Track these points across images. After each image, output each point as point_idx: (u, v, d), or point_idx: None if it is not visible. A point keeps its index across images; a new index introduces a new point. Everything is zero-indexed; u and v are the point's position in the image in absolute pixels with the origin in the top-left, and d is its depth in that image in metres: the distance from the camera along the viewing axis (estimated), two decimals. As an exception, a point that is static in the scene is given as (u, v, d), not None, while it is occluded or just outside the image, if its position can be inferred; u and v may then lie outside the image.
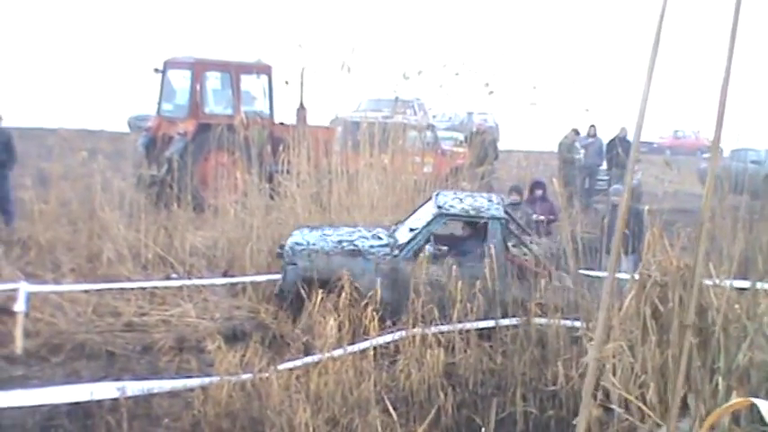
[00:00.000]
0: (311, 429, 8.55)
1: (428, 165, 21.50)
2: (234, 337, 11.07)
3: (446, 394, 9.55)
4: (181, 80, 21.87)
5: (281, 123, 21.30)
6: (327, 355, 9.53)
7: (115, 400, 9.12)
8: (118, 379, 10.16)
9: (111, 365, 11.57)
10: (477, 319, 10.92)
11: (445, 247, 12.55)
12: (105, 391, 9.23)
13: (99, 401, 9.11)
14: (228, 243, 15.87)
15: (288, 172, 17.82)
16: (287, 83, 20.61)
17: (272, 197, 17.55)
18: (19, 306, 11.77)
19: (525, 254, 12.71)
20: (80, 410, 9.20)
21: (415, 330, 10.37)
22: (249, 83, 21.89)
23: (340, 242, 12.74)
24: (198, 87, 20.98)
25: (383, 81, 23.00)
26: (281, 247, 13.12)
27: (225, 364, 9.43)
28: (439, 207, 12.75)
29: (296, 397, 8.95)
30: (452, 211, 12.74)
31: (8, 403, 9.24)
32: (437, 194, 13.74)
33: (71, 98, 27.60)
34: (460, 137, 27.28)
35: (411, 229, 12.82)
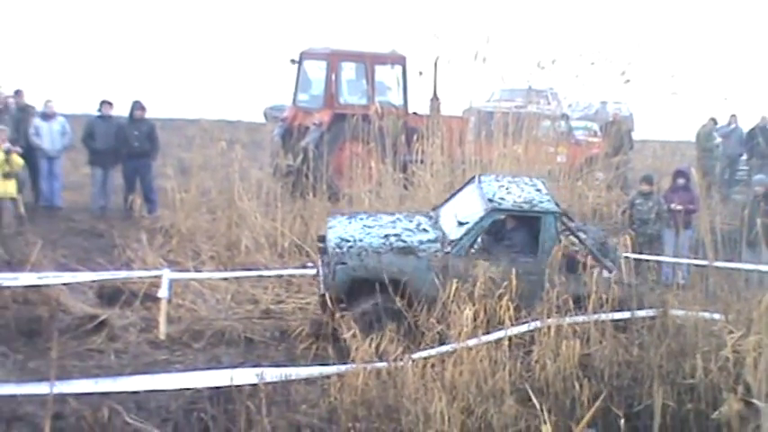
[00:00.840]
0: (446, 418, 8.58)
1: (562, 155, 21.32)
2: (369, 326, 11.16)
3: (581, 386, 9.46)
4: (316, 71, 22.10)
5: (415, 113, 21.34)
6: (462, 344, 9.54)
7: (254, 385, 9.32)
8: (257, 365, 10.36)
9: (249, 352, 11.85)
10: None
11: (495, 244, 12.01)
12: (245, 376, 9.44)
13: (239, 387, 9.32)
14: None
15: (421, 162, 17.90)
16: (421, 73, 20.69)
17: (405, 187, 17.65)
18: (162, 293, 12.13)
19: (574, 244, 12.32)
20: (221, 395, 9.42)
21: (551, 321, 10.27)
22: (383, 73, 21.96)
23: (386, 236, 11.97)
24: (333, 78, 21.17)
25: (517, 71, 22.82)
26: (322, 239, 12.59)
27: (361, 352, 9.53)
28: (491, 201, 11.98)
29: (431, 386, 8.99)
30: (505, 205, 11.96)
31: (153, 386, 9.55)
32: (479, 178, 13.06)
33: (211, 89, 28.17)
34: (595, 126, 26.91)
35: (460, 223, 11.98)
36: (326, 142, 19.54)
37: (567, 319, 10.30)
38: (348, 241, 11.80)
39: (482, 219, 11.77)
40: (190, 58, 38.37)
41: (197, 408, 9.55)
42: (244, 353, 11.83)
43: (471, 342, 9.61)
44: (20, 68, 30.52)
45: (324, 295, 11.30)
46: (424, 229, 12.32)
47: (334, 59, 21.34)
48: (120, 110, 18.90)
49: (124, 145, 18.41)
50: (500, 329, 10.06)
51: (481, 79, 19.05)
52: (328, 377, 9.69)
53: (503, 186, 12.54)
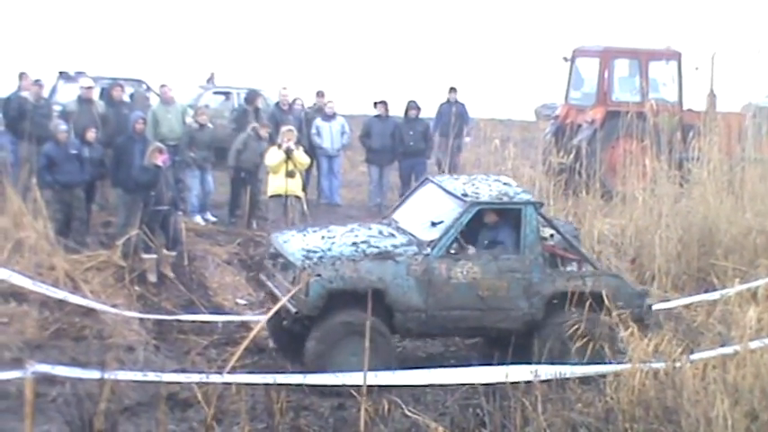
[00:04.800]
0: (729, 423, 8.31)
1: None
2: (645, 326, 10.96)
3: None
4: (589, 68, 21.96)
5: (690, 110, 20.81)
6: (745, 346, 9.22)
7: (529, 382, 9.37)
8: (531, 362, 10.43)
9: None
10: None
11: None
12: (520, 373, 9.52)
13: (514, 383, 9.40)
14: (636, 231, 15.72)
15: (698, 159, 17.40)
16: (697, 69, 20.16)
17: (681, 185, 17.21)
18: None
19: (547, 238, 11.55)
20: (496, 391, 9.52)
21: None
22: (658, 69, 21.56)
23: (354, 244, 10.83)
24: (606, 75, 21.00)
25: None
26: (276, 255, 11.45)
27: (638, 351, 9.39)
28: (466, 196, 11.03)
29: (712, 388, 8.74)
30: (483, 198, 11.02)
31: (430, 381, 9.80)
32: (430, 179, 12.14)
33: (481, 89, 28.40)
34: None
35: (434, 223, 10.98)
36: (599, 140, 19.39)
37: None
38: (316, 252, 10.67)
39: (461, 215, 10.81)
40: (459, 57, 38.81)
41: (472, 403, 9.72)
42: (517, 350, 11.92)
43: (755, 344, 9.27)
44: (307, 70, 31.89)
45: (296, 315, 10.35)
46: (391, 234, 11.24)
47: (606, 56, 21.16)
48: (396, 110, 19.40)
49: (399, 144, 18.90)
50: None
51: (760, 74, 18.34)
52: (604, 376, 9.62)
53: (466, 183, 11.58)
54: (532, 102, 33.52)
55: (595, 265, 11.44)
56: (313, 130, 19.00)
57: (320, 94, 19.96)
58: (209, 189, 17.72)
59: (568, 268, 11.40)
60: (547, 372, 9.61)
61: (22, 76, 17.60)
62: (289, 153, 15.29)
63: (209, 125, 17.81)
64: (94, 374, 8.93)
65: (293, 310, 10.35)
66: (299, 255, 10.64)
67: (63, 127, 15.02)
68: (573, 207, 17.22)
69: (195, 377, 9.32)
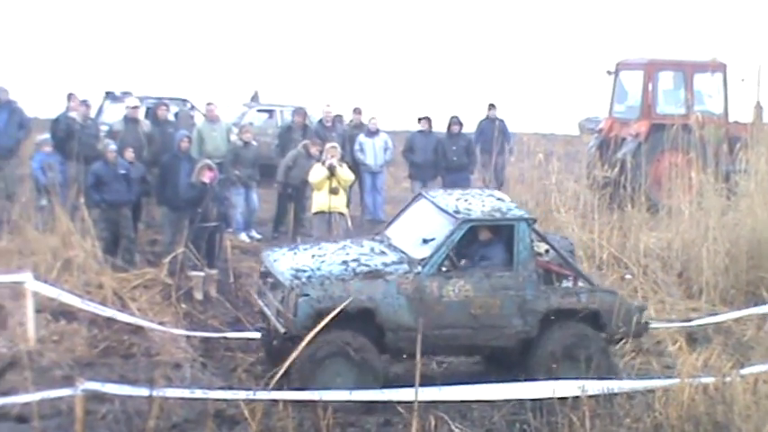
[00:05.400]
0: (781, 438, 8.25)
1: None
2: (693, 340, 10.90)
3: None
4: (633, 81, 21.86)
5: (736, 122, 20.65)
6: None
7: (576, 398, 9.33)
8: (578, 378, 10.38)
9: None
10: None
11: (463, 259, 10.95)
12: (567, 389, 9.47)
13: (561, 399, 9.35)
14: (683, 244, 15.64)
15: (745, 171, 17.26)
16: (743, 80, 19.98)
17: (728, 197, 17.08)
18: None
19: (542, 254, 11.43)
20: (542, 407, 9.49)
21: None
22: (703, 81, 21.43)
23: (344, 263, 10.76)
24: (650, 88, 20.91)
25: None
26: (266, 274, 11.36)
27: (687, 365, 9.32)
28: (457, 212, 10.89)
29: (763, 403, 8.66)
30: (475, 215, 10.88)
31: (476, 397, 9.78)
32: (424, 194, 12.03)
33: (524, 103, 28.38)
34: None
35: (425, 240, 10.88)
36: (644, 153, 19.23)
37: None
38: (305, 271, 10.59)
39: (452, 232, 10.68)
40: (502, 72, 38.78)
41: (519, 419, 9.69)
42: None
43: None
44: (349, 87, 32.03)
45: (285, 335, 10.30)
46: (382, 252, 11.13)
47: (650, 69, 21.08)
48: (439, 126, 19.41)
49: (443, 159, 18.90)
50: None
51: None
52: (652, 391, 9.55)
53: (459, 199, 11.43)
54: (576, 115, 33.44)
55: (591, 281, 11.31)
56: (356, 147, 19.04)
57: (357, 111, 20.01)
58: (253, 206, 17.80)
59: (564, 284, 11.29)
60: (594, 387, 9.54)
61: (70, 96, 17.80)
62: (332, 170, 15.32)
63: (254, 143, 17.91)
64: (143, 392, 9.01)
65: (281, 330, 10.34)
66: (288, 274, 10.57)
67: (113, 146, 15.18)
68: (618, 221, 17.12)
69: (242, 394, 9.35)
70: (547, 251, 11.47)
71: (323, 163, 15.56)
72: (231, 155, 17.27)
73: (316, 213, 15.85)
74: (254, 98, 26.01)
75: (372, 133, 19.21)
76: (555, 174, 17.85)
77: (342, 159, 16.16)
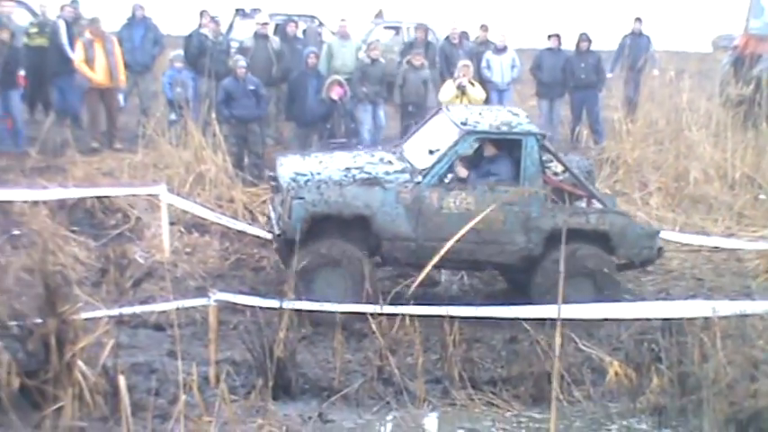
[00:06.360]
0: None
1: None
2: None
3: None
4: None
5: None
6: None
7: (707, 319, 9.18)
8: (708, 298, 10.23)
9: (700, 286, 11.72)
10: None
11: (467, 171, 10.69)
12: (698, 309, 9.34)
13: (690, 319, 9.23)
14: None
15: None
16: None
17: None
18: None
19: (558, 173, 10.98)
20: (672, 327, 9.36)
21: None
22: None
23: (347, 169, 10.71)
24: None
25: None
26: (273, 178, 11.35)
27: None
28: (463, 124, 10.65)
29: None
30: (480, 128, 10.66)
31: (605, 315, 9.73)
32: (446, 107, 11.75)
33: (660, 20, 27.70)
34: None
35: (431, 151, 10.71)
36: (781, 70, 18.64)
37: None
38: (304, 175, 10.61)
39: (456, 143, 10.48)
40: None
41: (647, 338, 9.59)
42: (693, 287, 11.73)
43: None
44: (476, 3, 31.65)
45: (279, 237, 10.41)
46: (389, 161, 11.02)
47: (790, -18, 20.28)
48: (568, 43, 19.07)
49: (570, 77, 18.58)
50: None
51: None
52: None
53: (475, 112, 11.24)
54: (710, 33, 32.50)
55: (604, 203, 10.97)
56: (483, 64, 18.83)
57: (484, 28, 19.72)
58: (380, 124, 17.78)
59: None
60: (726, 308, 9.38)
61: (202, 14, 18.03)
62: (462, 89, 15.22)
63: (381, 60, 17.87)
64: (273, 303, 9.19)
65: (277, 231, 10.50)
66: (288, 177, 10.63)
67: (242, 63, 15.31)
68: (752, 140, 16.68)
69: (370, 308, 9.46)
70: (564, 171, 11.24)
71: (454, 80, 15.47)
72: (359, 72, 17.23)
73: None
74: (379, 15, 25.90)
75: (500, 50, 18.92)
76: (686, 92, 17.44)
77: (473, 78, 16.05)
